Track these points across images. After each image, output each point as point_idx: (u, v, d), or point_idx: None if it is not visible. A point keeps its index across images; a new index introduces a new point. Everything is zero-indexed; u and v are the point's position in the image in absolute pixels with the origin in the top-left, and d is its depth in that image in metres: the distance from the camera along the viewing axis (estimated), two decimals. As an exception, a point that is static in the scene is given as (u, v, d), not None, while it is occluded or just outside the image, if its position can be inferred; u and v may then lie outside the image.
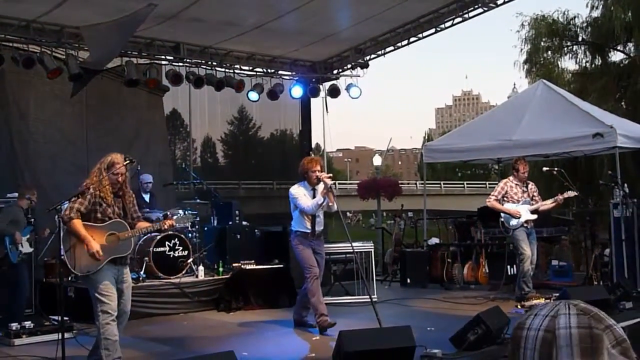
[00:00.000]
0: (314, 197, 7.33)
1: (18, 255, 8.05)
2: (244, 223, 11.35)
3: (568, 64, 24.70)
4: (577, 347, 1.25)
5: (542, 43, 22.59)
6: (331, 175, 7.40)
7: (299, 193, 7.37)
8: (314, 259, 7.34)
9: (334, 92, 12.15)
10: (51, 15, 8.93)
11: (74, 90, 9.86)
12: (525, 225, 8.76)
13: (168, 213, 5.64)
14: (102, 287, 5.46)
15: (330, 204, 7.24)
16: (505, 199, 8.91)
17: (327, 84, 12.32)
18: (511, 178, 9.03)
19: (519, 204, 8.84)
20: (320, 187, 7.24)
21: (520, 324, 1.34)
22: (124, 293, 5.69)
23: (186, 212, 5.70)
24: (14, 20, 9.03)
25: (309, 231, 7.38)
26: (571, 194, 8.84)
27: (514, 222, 8.75)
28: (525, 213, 8.77)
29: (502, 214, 8.85)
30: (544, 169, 8.98)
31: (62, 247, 5.64)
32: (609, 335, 1.27)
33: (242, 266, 9.73)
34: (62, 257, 5.58)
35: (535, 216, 8.84)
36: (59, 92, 10.42)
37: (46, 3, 8.59)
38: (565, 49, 22.81)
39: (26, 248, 8.17)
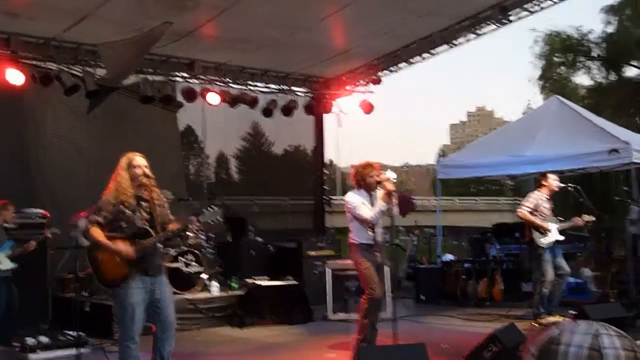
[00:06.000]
0: (371, 204, 6.69)
1: None
2: (258, 239, 11.38)
3: (582, 79, 24.71)
4: None
5: (555, 59, 22.60)
6: (391, 177, 6.62)
7: (357, 201, 6.68)
8: (377, 281, 6.66)
9: (346, 108, 12.18)
10: (69, 33, 9.04)
11: (90, 107, 9.96)
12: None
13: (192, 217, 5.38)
14: (126, 306, 5.09)
15: (391, 207, 6.48)
16: (535, 213, 8.73)
17: (340, 100, 12.36)
18: (543, 191, 8.87)
19: (546, 221, 8.69)
20: (380, 192, 6.63)
21: (553, 340, 1.34)
22: (162, 305, 5.21)
23: (212, 208, 5.47)
24: (32, 38, 9.15)
25: (372, 242, 6.70)
26: (588, 218, 8.77)
27: (544, 240, 8.57)
28: (554, 232, 8.63)
29: (534, 231, 8.66)
30: (560, 185, 8.93)
31: (88, 261, 5.31)
32: None
33: (256, 282, 9.75)
34: (82, 274, 5.38)
35: (562, 237, 8.70)
36: (75, 108, 10.52)
37: (64, 21, 8.70)
38: (579, 64, 22.79)
39: (5, 265, 7.69)
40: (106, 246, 5.13)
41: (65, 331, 7.65)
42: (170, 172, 12.33)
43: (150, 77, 10.23)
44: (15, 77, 8.84)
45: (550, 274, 8.53)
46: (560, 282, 8.72)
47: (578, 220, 8.78)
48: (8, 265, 7.75)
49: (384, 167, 7.11)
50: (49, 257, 8.97)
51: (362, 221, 6.67)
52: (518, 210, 8.92)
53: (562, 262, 8.75)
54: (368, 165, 6.85)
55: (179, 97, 11.26)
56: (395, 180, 6.62)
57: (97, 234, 5.15)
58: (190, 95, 10.83)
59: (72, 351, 5.88)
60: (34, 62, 9.31)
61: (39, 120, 10.56)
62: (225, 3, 8.58)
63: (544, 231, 8.56)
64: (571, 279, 9.80)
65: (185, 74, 10.94)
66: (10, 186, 9.62)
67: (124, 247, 5.11)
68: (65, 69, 9.37)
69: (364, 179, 6.77)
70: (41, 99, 10.26)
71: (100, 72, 9.69)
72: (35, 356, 7.10)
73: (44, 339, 7.27)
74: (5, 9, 8.19)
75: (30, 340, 7.20)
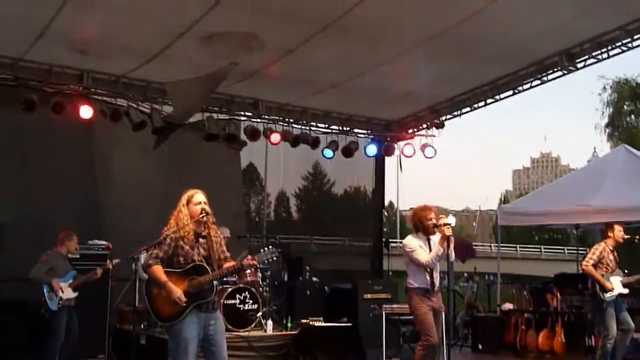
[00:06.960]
0: (429, 247, 6.76)
1: (58, 302, 7.83)
2: (314, 279, 11.37)
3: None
4: None
5: (624, 107, 22.13)
6: (449, 222, 6.60)
7: (414, 245, 6.75)
8: (434, 327, 6.62)
9: (408, 151, 12.12)
10: (139, 71, 9.37)
11: (157, 143, 10.22)
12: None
13: (249, 256, 5.42)
14: (180, 342, 5.14)
15: (449, 252, 6.52)
16: (600, 264, 8.52)
17: (402, 143, 12.33)
18: (608, 242, 8.65)
19: (612, 274, 8.47)
20: (437, 237, 6.67)
21: None
22: (215, 340, 5.27)
23: (269, 248, 5.52)
24: (104, 75, 9.52)
25: (429, 287, 6.69)
26: None
27: (608, 294, 8.33)
28: (618, 286, 8.38)
29: (597, 284, 8.41)
30: (625, 236, 8.67)
31: (145, 296, 5.41)
32: None
33: (310, 322, 9.71)
34: (140, 307, 5.38)
35: (627, 290, 8.45)
36: (142, 144, 10.82)
37: (134, 60, 9.03)
38: (650, 113, 22.23)
39: (67, 294, 7.94)
40: (164, 285, 5.18)
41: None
42: (231, 210, 12.51)
43: (215, 116, 10.46)
44: (85, 111, 9.19)
45: (613, 328, 8.24)
46: (624, 338, 8.41)
47: None
48: (70, 294, 7.97)
49: (445, 211, 7.05)
50: (110, 288, 9.18)
51: (419, 265, 6.63)
52: (582, 264, 8.71)
53: (627, 317, 8.45)
54: (426, 209, 6.84)
55: (243, 136, 11.45)
56: (453, 225, 6.56)
57: (159, 272, 5.22)
58: (253, 134, 10.99)
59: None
60: (104, 99, 9.65)
61: (106, 155, 10.91)
62: (289, 46, 8.74)
63: (607, 289, 8.32)
64: (637, 335, 9.40)
65: (249, 113, 11.13)
66: (79, 218, 9.95)
67: (179, 291, 5.16)
68: (134, 105, 9.67)
69: (421, 222, 6.78)
70: (110, 134, 10.61)
71: (168, 109, 9.97)
72: (91, 385, 7.24)
73: (100, 370, 7.40)
74: (76, 47, 8.55)
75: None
